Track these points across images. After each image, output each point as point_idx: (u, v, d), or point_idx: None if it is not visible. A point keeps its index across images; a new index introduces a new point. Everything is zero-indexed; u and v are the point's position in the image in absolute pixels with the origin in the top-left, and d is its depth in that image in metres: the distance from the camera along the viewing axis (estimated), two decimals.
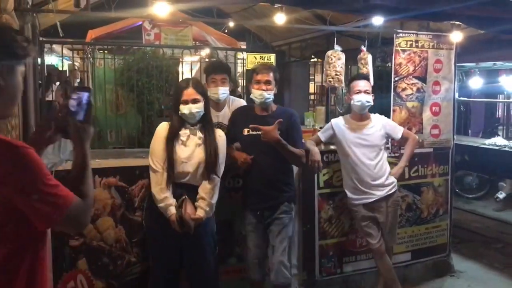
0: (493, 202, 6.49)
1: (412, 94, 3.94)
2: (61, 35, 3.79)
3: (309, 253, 3.64)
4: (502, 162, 5.73)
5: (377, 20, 3.81)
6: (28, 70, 3.05)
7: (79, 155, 1.38)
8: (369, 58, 3.89)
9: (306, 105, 7.93)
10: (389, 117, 3.77)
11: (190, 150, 2.73)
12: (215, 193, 2.77)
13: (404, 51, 3.89)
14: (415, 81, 3.94)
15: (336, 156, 3.58)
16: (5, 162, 1.18)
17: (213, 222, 2.87)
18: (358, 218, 3.43)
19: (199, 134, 2.77)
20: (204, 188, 2.73)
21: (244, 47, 6.95)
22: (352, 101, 3.38)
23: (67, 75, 7.47)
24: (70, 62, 8.27)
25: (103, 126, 5.77)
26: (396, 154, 3.82)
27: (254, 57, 4.09)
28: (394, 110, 3.88)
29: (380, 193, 3.36)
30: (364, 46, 3.98)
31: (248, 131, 2.95)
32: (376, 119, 3.45)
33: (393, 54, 3.88)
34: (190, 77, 5.20)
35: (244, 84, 5.60)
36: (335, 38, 4.00)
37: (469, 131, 8.25)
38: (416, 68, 3.94)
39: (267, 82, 2.95)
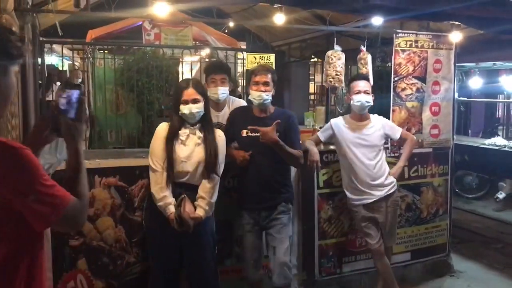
0: (493, 202, 6.49)
1: (411, 94, 3.94)
2: (60, 34, 3.79)
3: (309, 253, 3.64)
4: (502, 162, 5.73)
5: (377, 20, 3.82)
6: (28, 70, 3.06)
7: (72, 154, 1.37)
8: (369, 58, 3.90)
9: (306, 105, 7.94)
10: (388, 117, 3.77)
11: (190, 149, 2.74)
12: (215, 192, 2.77)
13: (403, 51, 3.89)
14: (414, 81, 3.94)
15: (336, 156, 3.59)
16: (2, 164, 1.18)
17: (212, 222, 2.88)
18: (358, 218, 3.44)
19: (199, 133, 2.78)
20: (204, 187, 2.74)
21: (244, 47, 6.96)
22: (351, 101, 3.39)
23: (67, 75, 7.47)
24: (70, 62, 8.28)
25: (103, 126, 5.79)
26: (396, 154, 3.82)
27: (254, 57, 4.10)
28: (393, 110, 3.88)
29: (379, 193, 3.37)
30: (364, 46, 3.98)
31: (246, 132, 2.97)
32: (376, 119, 3.46)
33: (393, 54, 3.88)
34: (190, 77, 5.21)
35: (244, 84, 5.61)
36: (335, 38, 4.00)
37: (469, 131, 8.25)
38: (416, 68, 3.94)
39: (265, 84, 2.96)
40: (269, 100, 2.99)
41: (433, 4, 3.43)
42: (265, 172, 2.95)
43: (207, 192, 2.73)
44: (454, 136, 4.26)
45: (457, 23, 3.93)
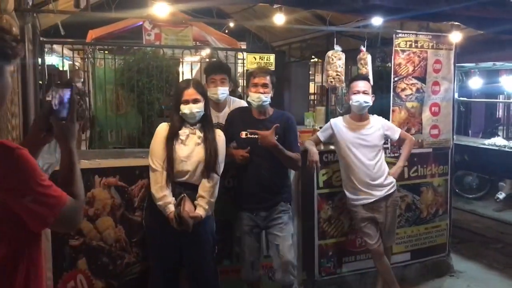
0: (493, 202, 6.49)
1: (411, 94, 3.94)
2: (62, 34, 3.79)
3: (309, 253, 3.64)
4: (502, 162, 5.72)
5: (377, 21, 3.82)
6: (28, 70, 3.06)
7: (65, 155, 1.36)
8: (369, 58, 3.90)
9: (306, 105, 7.94)
10: (388, 117, 3.78)
11: (190, 149, 2.74)
12: (215, 191, 2.78)
13: (403, 51, 3.90)
14: (414, 81, 3.95)
15: (335, 156, 3.59)
16: (1, 165, 1.17)
17: (212, 221, 2.89)
18: (357, 218, 3.44)
19: (199, 133, 2.79)
20: (204, 187, 2.75)
21: (244, 47, 6.96)
22: (350, 101, 3.40)
23: (68, 75, 7.47)
24: (70, 62, 8.29)
25: (104, 126, 5.79)
26: (395, 154, 3.82)
27: (254, 57, 4.09)
28: (393, 111, 3.89)
29: (379, 193, 3.37)
30: (364, 46, 3.98)
31: (246, 135, 2.98)
32: (375, 119, 3.46)
33: (393, 54, 3.88)
34: (190, 77, 5.22)
35: (244, 84, 5.61)
36: (335, 38, 4.00)
37: (469, 131, 8.24)
38: (416, 69, 3.94)
39: (264, 85, 2.97)
40: (267, 102, 3.00)
41: (433, 5, 3.44)
42: (264, 174, 2.96)
43: (207, 191, 2.73)
44: (454, 136, 4.27)
45: (456, 23, 3.93)
